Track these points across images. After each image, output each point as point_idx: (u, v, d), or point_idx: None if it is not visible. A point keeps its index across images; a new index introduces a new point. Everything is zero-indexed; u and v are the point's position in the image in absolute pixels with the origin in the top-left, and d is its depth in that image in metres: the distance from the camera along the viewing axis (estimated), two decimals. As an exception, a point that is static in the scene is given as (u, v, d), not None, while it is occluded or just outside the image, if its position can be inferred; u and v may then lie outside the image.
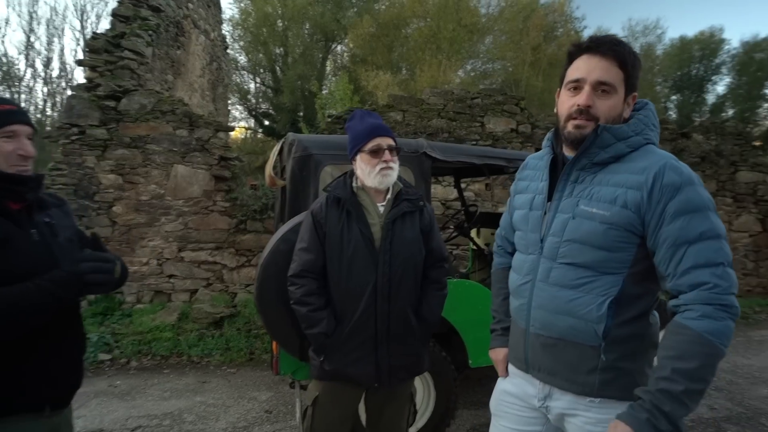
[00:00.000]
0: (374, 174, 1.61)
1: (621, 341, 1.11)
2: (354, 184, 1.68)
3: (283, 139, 2.43)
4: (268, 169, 2.64)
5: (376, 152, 1.61)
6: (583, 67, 1.12)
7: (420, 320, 1.70)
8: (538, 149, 5.56)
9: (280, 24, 16.72)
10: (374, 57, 14.84)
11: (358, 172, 1.66)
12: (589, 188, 1.14)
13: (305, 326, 1.64)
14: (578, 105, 1.11)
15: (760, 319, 5.67)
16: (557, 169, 1.26)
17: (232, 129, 5.29)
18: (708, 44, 18.23)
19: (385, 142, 1.63)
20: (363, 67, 13.80)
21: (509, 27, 14.98)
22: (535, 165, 1.36)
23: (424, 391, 2.49)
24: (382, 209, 1.67)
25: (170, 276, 4.71)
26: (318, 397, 1.69)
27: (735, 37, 26.94)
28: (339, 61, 18.30)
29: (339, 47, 18.11)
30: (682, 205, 1.02)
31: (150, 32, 5.20)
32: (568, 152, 1.23)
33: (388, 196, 1.68)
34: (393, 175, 1.64)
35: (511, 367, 1.38)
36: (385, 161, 1.61)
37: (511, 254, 1.43)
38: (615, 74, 1.10)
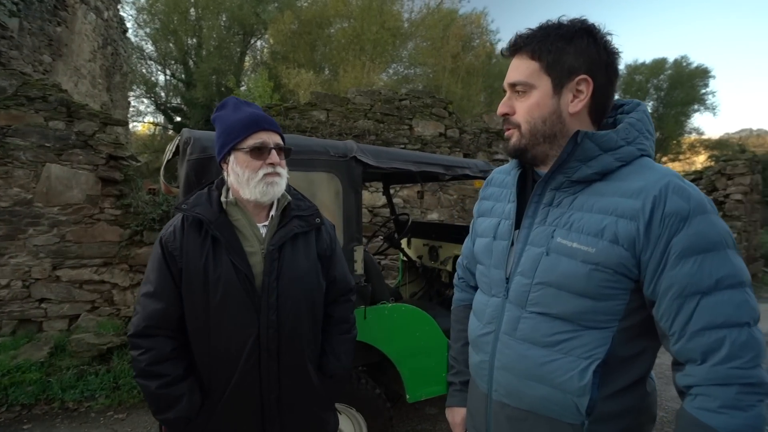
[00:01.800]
0: (255, 181, 1.18)
1: (610, 418, 0.85)
2: (223, 198, 1.23)
3: (177, 137, 1.94)
4: (161, 173, 2.14)
5: (259, 151, 1.18)
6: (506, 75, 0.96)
7: (326, 377, 1.30)
8: (466, 155, 5.45)
9: (193, 13, 15.42)
10: (296, 55, 14.28)
11: (231, 178, 1.22)
12: (568, 214, 0.87)
13: (155, 409, 1.15)
14: (498, 115, 0.94)
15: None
16: (528, 188, 0.98)
17: (125, 123, 4.52)
18: (599, 65, 20.29)
19: (272, 139, 1.21)
20: (284, 65, 13.19)
21: (431, 34, 15.27)
22: (502, 181, 1.08)
23: (355, 435, 2.15)
24: (264, 231, 1.24)
25: (41, 300, 3.84)
26: None
27: (620, 60, 30.42)
28: (258, 56, 17.38)
29: (258, 42, 17.21)
30: (692, 240, 0.76)
31: (14, 1, 4.24)
32: (540, 167, 0.97)
33: (273, 212, 1.26)
34: (281, 184, 1.23)
35: (469, 436, 1.09)
36: (272, 164, 1.19)
37: (475, 288, 1.14)
38: (526, 68, 0.89)
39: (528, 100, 0.90)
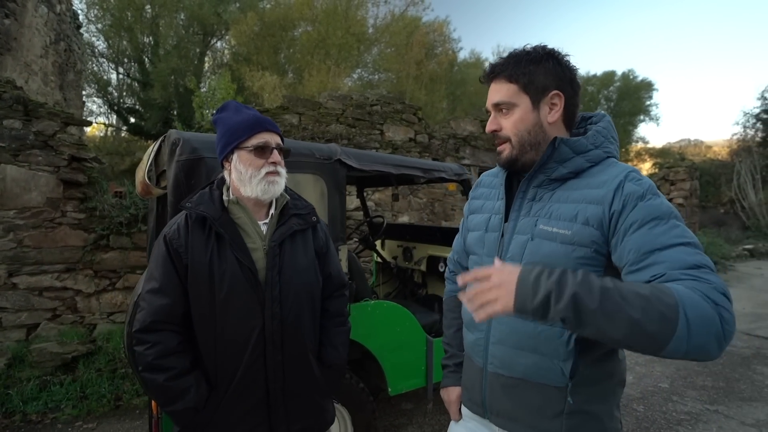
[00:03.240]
0: (257, 180, 1.23)
1: (589, 381, 0.99)
2: (225, 197, 1.29)
3: (162, 138, 1.95)
4: (141, 174, 2.12)
5: (261, 150, 1.25)
6: (487, 98, 1.11)
7: (325, 367, 1.38)
8: (435, 159, 5.67)
9: (149, 10, 14.86)
10: (259, 57, 14.08)
11: (234, 176, 1.27)
12: (548, 206, 1.03)
13: (163, 401, 1.19)
14: (488, 132, 1.09)
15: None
16: (513, 188, 1.13)
17: (89, 123, 4.36)
18: (556, 75, 21.33)
19: (274, 139, 1.28)
20: (247, 67, 12.96)
21: (395, 40, 15.51)
22: (490, 183, 1.23)
23: (340, 429, 2.21)
24: (264, 229, 1.30)
25: (-4, 309, 3.63)
26: None
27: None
28: (219, 58, 16.97)
29: (219, 43, 16.81)
30: (647, 212, 0.91)
31: (-35, -7, 4.00)
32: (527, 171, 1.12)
33: (272, 211, 1.32)
34: (281, 183, 1.29)
35: (464, 410, 1.20)
36: (274, 163, 1.26)
37: None
38: (506, 90, 1.04)
39: (513, 116, 1.05)
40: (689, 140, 30.93)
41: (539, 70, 1.03)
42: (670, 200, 8.82)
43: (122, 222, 3.86)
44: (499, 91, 1.05)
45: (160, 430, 1.68)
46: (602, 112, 1.14)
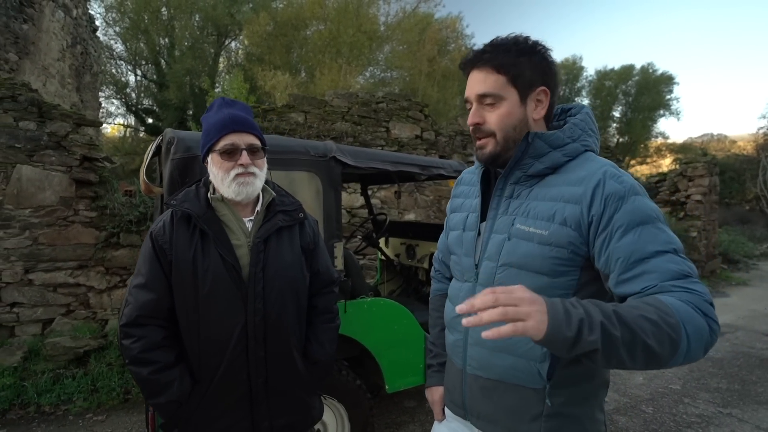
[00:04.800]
0: (228, 182, 1.24)
1: (568, 382, 0.96)
2: (210, 194, 1.30)
3: (159, 137, 1.98)
4: (142, 173, 2.16)
5: (230, 153, 1.24)
6: (467, 86, 1.03)
7: (310, 363, 1.38)
8: (442, 156, 5.62)
9: (165, 12, 15.13)
10: (272, 56, 14.19)
11: (211, 178, 1.30)
12: (526, 204, 1.00)
13: (148, 394, 1.21)
14: (469, 125, 1.01)
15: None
16: (492, 185, 1.10)
17: (100, 123, 4.45)
18: (571, 70, 20.96)
19: (244, 140, 1.25)
20: (260, 66, 13.08)
21: (407, 37, 15.44)
22: (470, 180, 1.20)
23: (337, 425, 2.22)
24: (250, 225, 1.30)
25: (12, 305, 3.75)
26: None
27: (591, 66, 31.51)
28: (233, 58, 17.19)
29: (233, 43, 17.03)
30: (631, 216, 0.88)
31: (-18, -1, 4.14)
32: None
33: (258, 207, 1.33)
34: (255, 183, 1.27)
35: (447, 410, 1.19)
36: (243, 165, 1.24)
37: (450, 279, 1.25)
38: (494, 81, 0.97)
39: (499, 109, 0.99)
40: (712, 135, 29.98)
41: (527, 63, 0.98)
42: (688, 197, 8.57)
43: (132, 220, 3.94)
44: (485, 81, 0.98)
45: (156, 421, 1.72)
46: (581, 103, 1.10)
